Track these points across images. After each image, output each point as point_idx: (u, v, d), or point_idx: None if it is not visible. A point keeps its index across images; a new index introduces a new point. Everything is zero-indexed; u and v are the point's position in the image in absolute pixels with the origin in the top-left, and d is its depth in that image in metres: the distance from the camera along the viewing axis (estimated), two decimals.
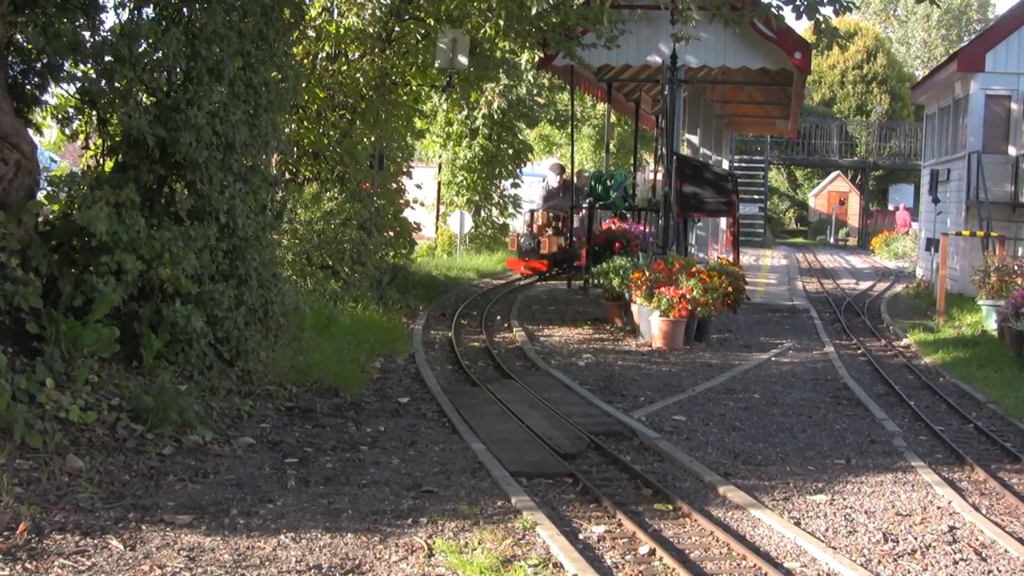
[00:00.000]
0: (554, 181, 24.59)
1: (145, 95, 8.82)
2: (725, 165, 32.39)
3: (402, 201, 17.27)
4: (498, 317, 16.14)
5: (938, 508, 7.47)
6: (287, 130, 12.95)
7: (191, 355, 8.74)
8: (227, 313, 9.10)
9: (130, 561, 5.48)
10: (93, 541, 5.72)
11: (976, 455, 9.18)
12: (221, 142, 9.03)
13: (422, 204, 17.78)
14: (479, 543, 6.08)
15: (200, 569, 5.40)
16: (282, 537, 6.00)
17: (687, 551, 6.31)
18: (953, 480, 8.29)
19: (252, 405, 8.80)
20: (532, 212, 24.60)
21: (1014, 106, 24.10)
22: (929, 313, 20.61)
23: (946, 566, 6.29)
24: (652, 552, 6.19)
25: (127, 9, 8.83)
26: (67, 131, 9.05)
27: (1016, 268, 18.32)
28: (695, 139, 25.89)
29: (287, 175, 14.44)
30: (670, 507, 7.09)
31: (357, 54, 15.63)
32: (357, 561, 5.72)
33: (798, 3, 13.19)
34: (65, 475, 6.55)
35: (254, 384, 9.25)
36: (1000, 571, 6.27)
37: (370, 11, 15.38)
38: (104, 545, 5.68)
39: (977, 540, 6.82)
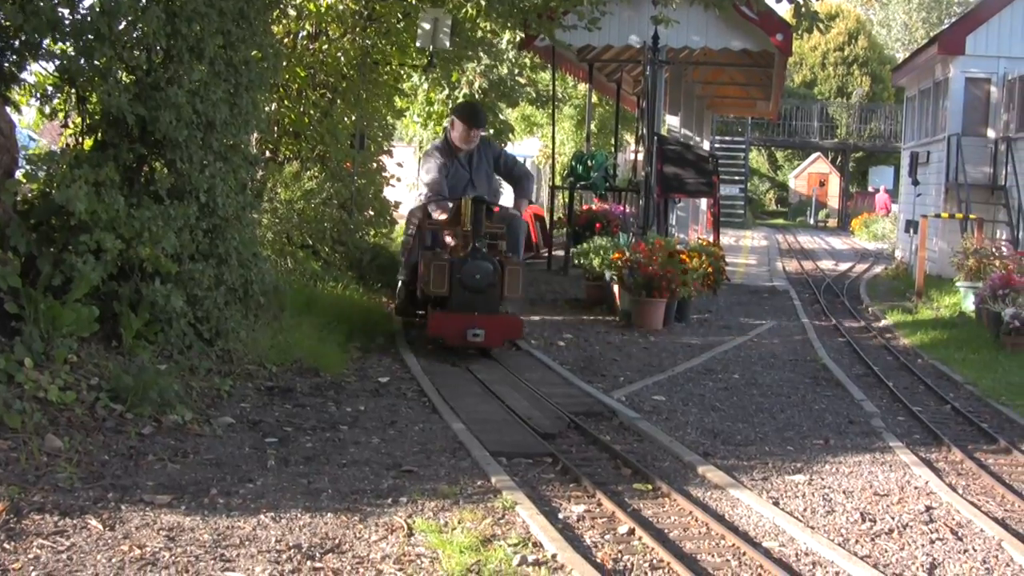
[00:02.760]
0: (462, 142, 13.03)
1: (125, 74, 8.78)
2: (706, 146, 32.41)
3: (386, 174, 17.19)
4: None
5: (915, 488, 7.51)
6: (268, 109, 12.92)
7: (171, 335, 8.73)
8: (207, 293, 9.08)
9: (109, 541, 5.48)
10: (72, 521, 5.71)
11: (953, 436, 9.23)
12: (201, 121, 9.01)
13: (398, 180, 17.67)
14: (459, 522, 6.10)
15: (180, 549, 5.40)
16: (262, 517, 6.00)
17: (666, 530, 6.33)
18: (930, 460, 8.33)
19: (232, 385, 8.79)
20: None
21: (994, 89, 24.17)
22: (908, 294, 20.70)
23: (923, 545, 6.32)
24: (631, 531, 6.21)
25: None
26: (46, 109, 9.00)
27: (994, 251, 18.40)
28: (676, 120, 25.90)
29: (267, 154, 14.41)
30: (649, 487, 7.11)
31: (338, 33, 15.59)
32: (337, 540, 5.73)
33: None
34: (44, 455, 6.54)
35: (234, 364, 9.24)
36: (976, 550, 6.31)
37: None
38: (83, 525, 5.68)
39: (953, 520, 6.86)
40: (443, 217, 12.09)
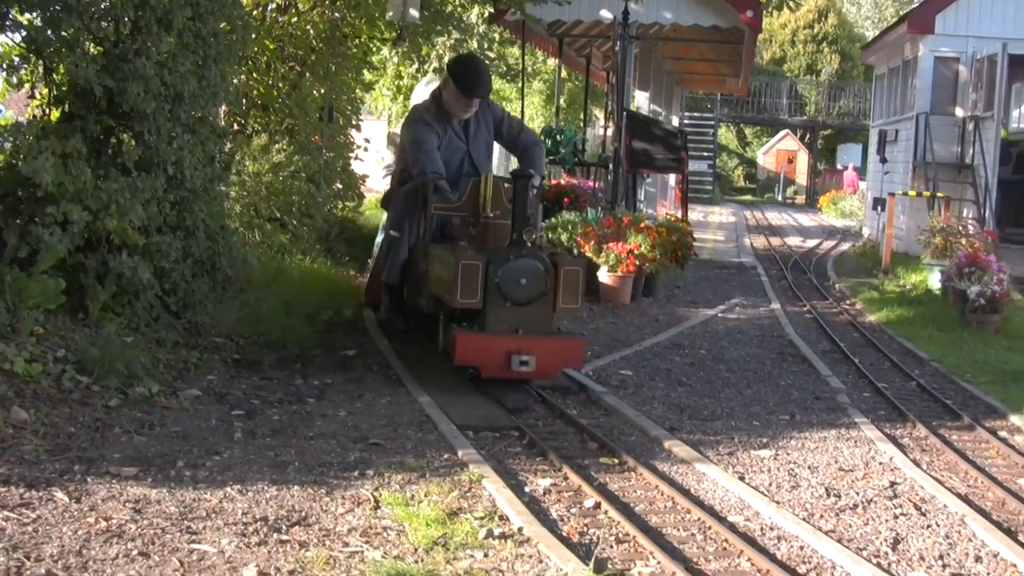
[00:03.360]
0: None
1: (92, 45, 8.72)
2: (675, 122, 32.45)
3: (355, 147, 17.13)
4: None
5: (880, 464, 7.57)
6: (236, 82, 12.85)
7: (138, 307, 8.70)
8: (174, 265, 9.05)
9: (75, 513, 5.47)
10: (38, 493, 5.70)
11: (918, 412, 9.29)
12: (169, 93, 8.96)
13: (365, 151, 17.60)
14: (425, 495, 6.11)
15: (146, 521, 5.40)
16: (228, 489, 6.00)
17: (632, 504, 6.36)
18: (895, 436, 8.40)
19: (199, 357, 8.77)
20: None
21: (962, 69, 24.28)
22: (875, 272, 20.82)
23: (887, 520, 6.37)
24: (597, 505, 6.24)
25: None
26: (13, 80, 8.94)
27: (961, 229, 18.51)
28: (646, 96, 25.91)
29: (236, 127, 14.34)
30: (616, 461, 7.14)
31: (307, 6, 15.51)
32: (304, 513, 5.74)
33: None
34: (10, 427, 6.51)
35: (201, 336, 9.22)
36: (939, 525, 6.37)
37: None
38: (49, 497, 5.66)
39: (917, 495, 6.92)
40: (449, 201, 9.79)
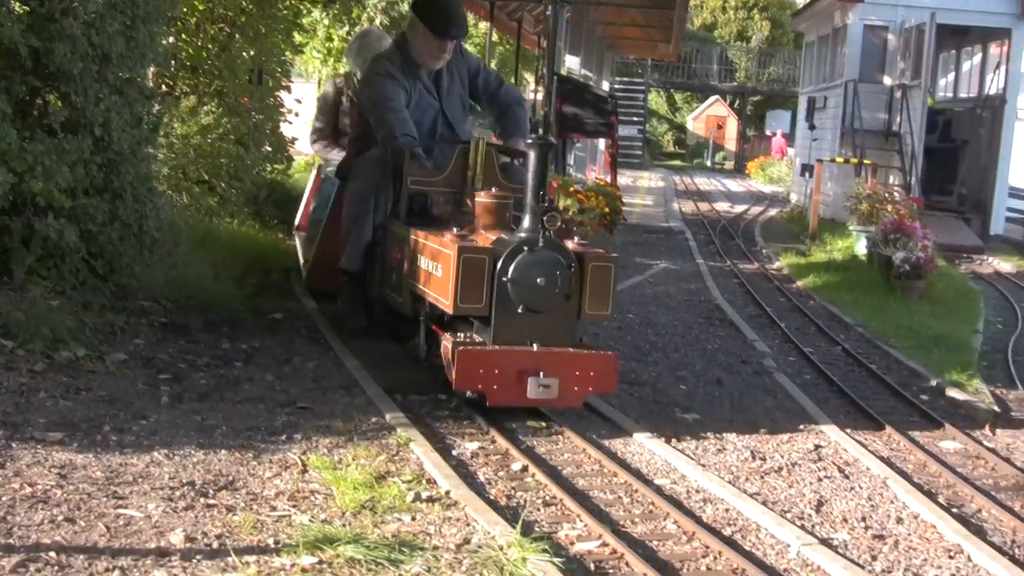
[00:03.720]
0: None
1: (18, 4, 8.59)
2: (605, 87, 32.49)
3: (283, 110, 17.00)
4: None
5: (804, 427, 7.67)
6: (165, 43, 12.71)
7: (64, 270, 8.61)
8: (101, 228, 8.96)
9: (0, 479, 5.43)
10: None
11: (842, 376, 9.42)
12: (97, 54, 8.84)
13: (296, 114, 17.48)
14: (353, 459, 6.12)
15: (72, 486, 5.36)
16: (155, 454, 5.97)
17: (559, 467, 6.41)
18: (820, 400, 8.51)
19: (126, 321, 8.69)
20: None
21: (891, 37, 24.48)
22: (802, 237, 21.01)
23: (811, 483, 6.47)
24: (525, 468, 6.27)
25: None
26: None
27: (887, 196, 18.71)
28: (577, 61, 25.92)
29: (164, 89, 14.19)
30: (543, 425, 7.17)
31: None
32: (231, 477, 5.73)
33: None
34: None
35: (128, 300, 9.14)
36: (862, 487, 6.47)
37: None
38: None
39: (841, 458, 7.02)
40: (430, 172, 8.41)
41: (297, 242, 11.99)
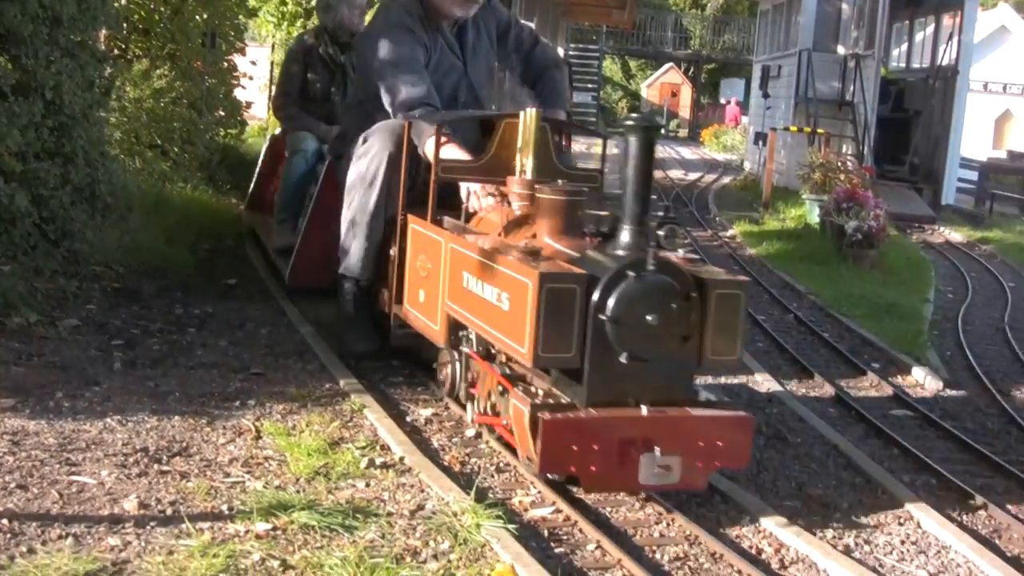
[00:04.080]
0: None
1: None
2: (560, 53, 32.45)
3: (237, 74, 16.91)
4: None
5: (757, 393, 7.75)
6: (116, 5, 12.61)
7: (15, 235, 8.54)
8: (53, 192, 8.89)
9: None
10: None
11: (795, 344, 9.50)
12: (48, 15, 8.76)
13: (250, 78, 17.39)
14: (307, 425, 6.12)
15: (24, 453, 5.34)
16: (108, 420, 5.96)
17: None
18: (772, 368, 8.58)
19: (78, 286, 8.64)
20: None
21: (845, 7, 24.60)
22: (755, 205, 21.12)
23: (760, 447, 6.52)
24: (478, 435, 6.29)
25: None
26: None
27: (840, 165, 18.83)
28: (531, 26, 25.87)
29: (116, 52, 14.08)
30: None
31: None
32: (184, 444, 5.72)
33: None
34: None
35: (80, 265, 9.08)
36: (811, 457, 6.54)
37: None
38: None
39: (787, 424, 7.11)
40: (464, 158, 6.48)
41: (257, 225, 11.13)
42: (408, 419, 6.53)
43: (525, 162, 6.09)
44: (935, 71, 25.09)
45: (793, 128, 22.85)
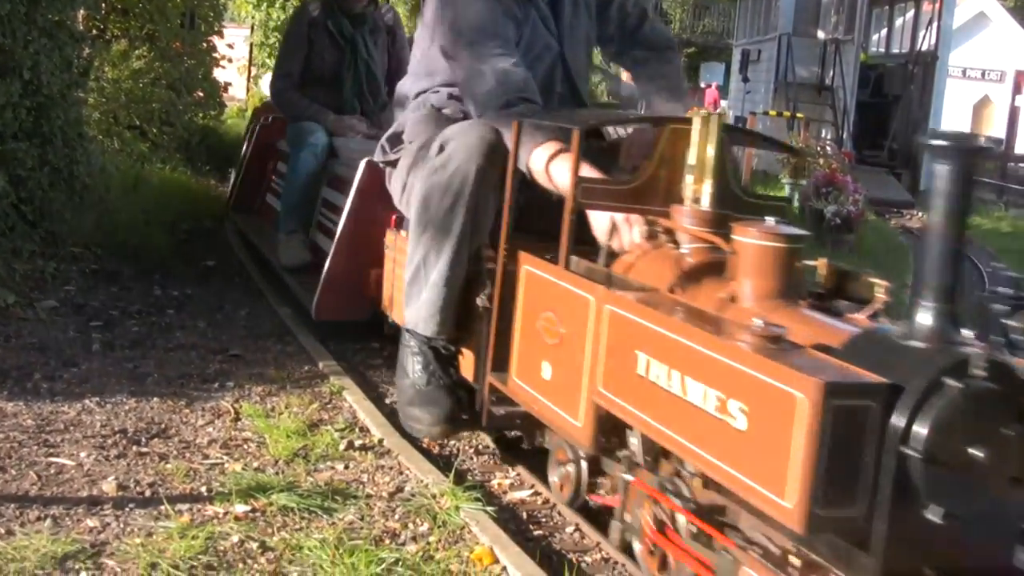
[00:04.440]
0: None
1: None
2: None
3: (216, 55, 16.87)
4: None
5: None
6: None
7: None
8: (30, 173, 8.86)
9: None
10: None
11: None
12: None
13: (230, 60, 17.35)
14: (286, 407, 6.12)
15: (2, 435, 5.32)
16: (86, 401, 5.94)
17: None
18: None
19: (56, 268, 8.62)
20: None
21: None
22: None
23: None
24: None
25: None
26: None
27: (819, 149, 18.86)
28: None
29: (94, 32, 14.04)
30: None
31: None
32: (163, 425, 5.71)
33: None
34: None
35: (58, 246, 9.05)
36: None
37: None
38: None
39: None
40: (597, 176, 4.33)
41: (253, 233, 9.88)
42: (387, 401, 6.53)
43: (699, 187, 4.15)
44: (914, 57, 25.14)
45: (772, 112, 22.89)
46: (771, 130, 23.70)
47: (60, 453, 5.20)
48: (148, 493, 4.80)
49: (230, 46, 17.97)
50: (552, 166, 4.53)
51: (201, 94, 16.45)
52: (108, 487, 4.81)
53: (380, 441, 5.73)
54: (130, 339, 7.29)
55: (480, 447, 5.87)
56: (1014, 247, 17.74)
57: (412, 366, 5.42)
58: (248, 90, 28.17)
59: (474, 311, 5.01)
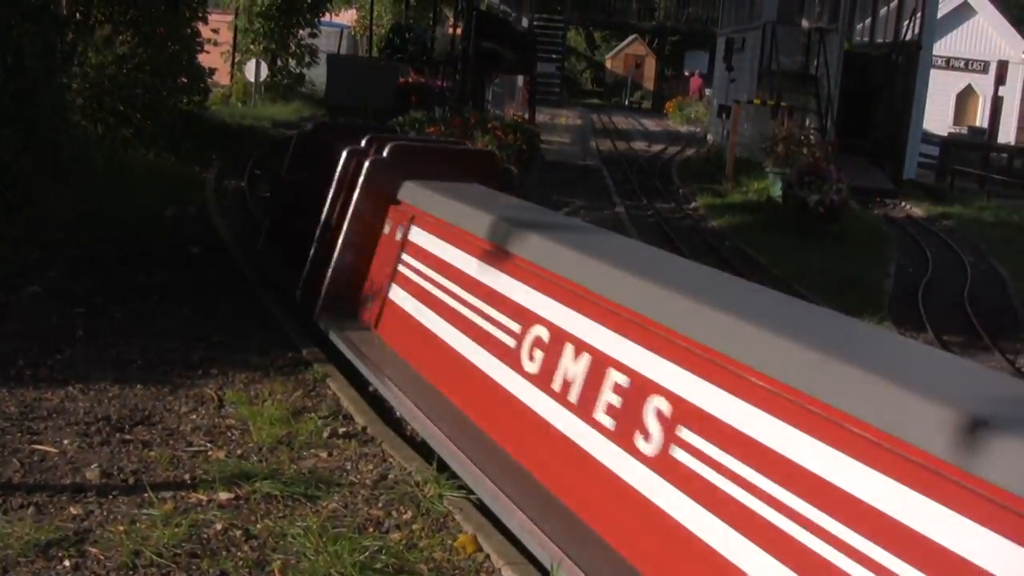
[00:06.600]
0: None
1: None
2: (525, 24, 32.39)
3: (200, 41, 16.83)
4: None
5: None
6: None
7: None
8: (14, 158, 8.84)
9: None
10: None
11: None
12: None
13: (215, 44, 17.32)
14: (270, 394, 6.12)
15: None
16: (70, 388, 5.93)
17: None
18: None
19: (40, 253, 8.59)
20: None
21: None
22: (718, 177, 21.13)
23: None
24: None
25: None
26: None
27: (803, 138, 18.89)
28: None
29: (78, 17, 13.99)
30: None
31: None
32: (147, 412, 5.71)
33: None
34: None
35: (42, 232, 9.04)
36: None
37: None
38: None
39: None
40: None
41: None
42: (371, 389, 6.52)
43: None
44: (898, 46, 25.16)
45: (757, 101, 22.89)
46: (755, 118, 23.76)
47: (44, 440, 5.19)
48: (132, 480, 4.80)
49: (215, 31, 17.93)
50: None
51: (185, 80, 16.41)
52: (91, 474, 4.81)
53: (364, 428, 5.74)
54: (114, 326, 7.26)
55: None
56: (995, 236, 17.79)
57: None
58: (232, 76, 28.10)
59: None
